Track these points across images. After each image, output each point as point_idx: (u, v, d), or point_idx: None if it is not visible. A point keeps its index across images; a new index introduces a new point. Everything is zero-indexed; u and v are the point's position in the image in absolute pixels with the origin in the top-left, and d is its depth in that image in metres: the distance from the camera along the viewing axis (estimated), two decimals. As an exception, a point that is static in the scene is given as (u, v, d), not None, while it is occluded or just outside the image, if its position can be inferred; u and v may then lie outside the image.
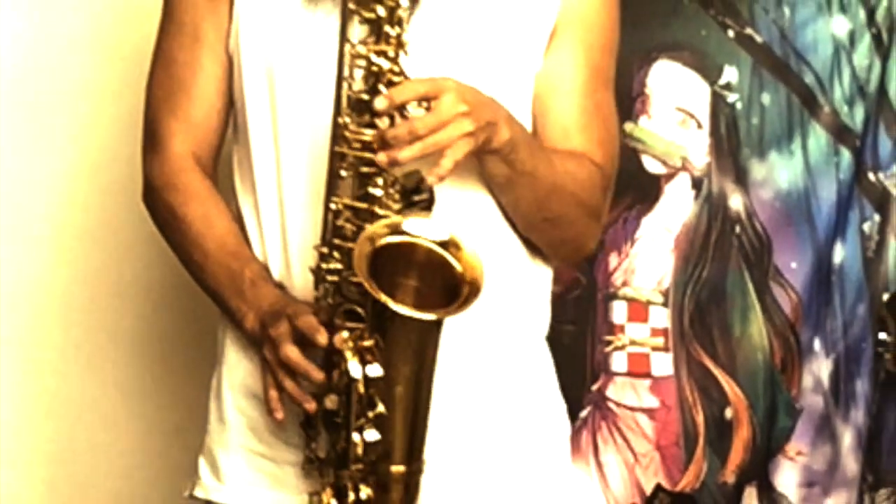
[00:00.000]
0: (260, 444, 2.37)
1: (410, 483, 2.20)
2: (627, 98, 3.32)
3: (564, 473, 2.52)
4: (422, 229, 2.16)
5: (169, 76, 2.48)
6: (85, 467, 3.38)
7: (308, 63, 2.30)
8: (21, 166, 3.34)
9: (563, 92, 2.41)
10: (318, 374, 2.18)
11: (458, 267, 2.15)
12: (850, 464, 3.44)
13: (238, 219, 2.42)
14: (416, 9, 2.26)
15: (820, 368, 3.43)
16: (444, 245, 2.16)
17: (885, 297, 3.41)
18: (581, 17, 2.41)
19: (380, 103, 2.15)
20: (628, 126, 3.34)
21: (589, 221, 2.44)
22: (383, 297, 2.09)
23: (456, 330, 2.26)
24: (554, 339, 2.88)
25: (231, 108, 2.47)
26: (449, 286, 2.15)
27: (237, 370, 2.40)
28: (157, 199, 2.47)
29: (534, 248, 2.47)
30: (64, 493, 3.38)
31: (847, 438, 3.43)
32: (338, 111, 2.21)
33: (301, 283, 2.30)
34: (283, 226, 2.36)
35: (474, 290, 2.14)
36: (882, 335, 3.39)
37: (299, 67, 2.32)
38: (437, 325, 2.17)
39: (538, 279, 2.47)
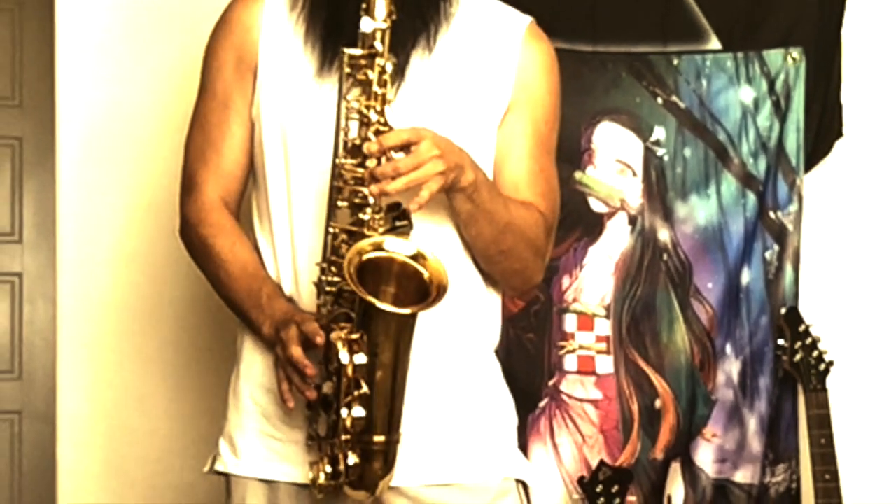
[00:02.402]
0: (270, 427, 2.46)
1: (389, 451, 2.29)
2: (577, 152, 3.55)
3: (510, 449, 2.55)
4: (397, 246, 2.26)
5: (203, 135, 2.57)
6: (134, 446, 3.55)
7: (315, 122, 2.40)
8: (88, 207, 3.57)
9: (515, 156, 2.50)
10: (311, 370, 2.27)
11: (426, 274, 2.25)
12: (755, 444, 3.63)
13: (255, 248, 2.51)
14: (401, 82, 2.39)
15: (731, 368, 3.64)
16: (414, 258, 2.27)
17: (783, 310, 3.61)
18: (530, 98, 2.52)
19: (371, 147, 2.26)
20: (577, 174, 3.56)
21: (535, 258, 2.51)
22: (368, 297, 2.20)
23: (426, 338, 2.36)
24: (518, 345, 3.11)
25: (252, 161, 2.55)
26: (420, 290, 2.26)
27: (252, 368, 2.50)
28: (191, 233, 2.55)
29: (488, 277, 2.55)
30: (117, 466, 3.56)
31: (752, 424, 3.63)
32: (336, 153, 2.31)
33: (307, 296, 2.38)
34: (293, 252, 2.45)
35: (441, 291, 2.25)
36: (780, 341, 3.59)
37: (308, 126, 2.42)
38: (412, 319, 2.26)
39: (491, 302, 2.55)
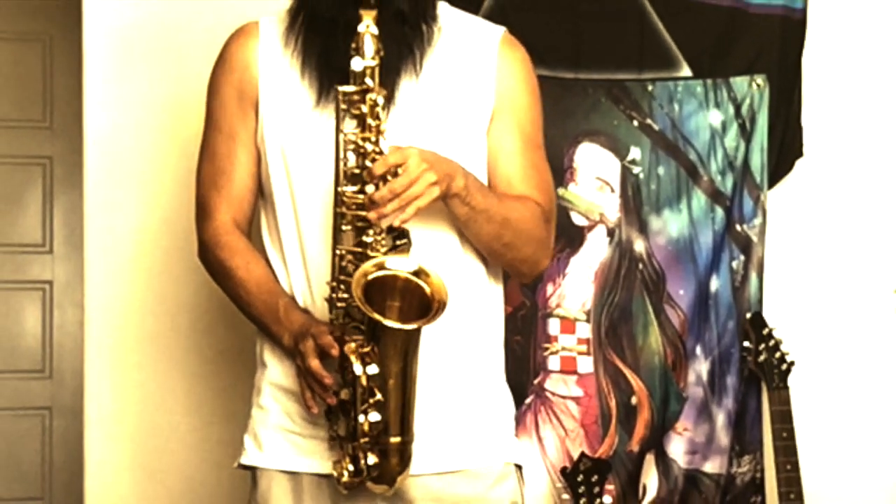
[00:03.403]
0: (291, 424, 2.50)
1: (405, 450, 2.33)
2: (560, 170, 3.54)
3: (509, 437, 2.58)
4: (399, 265, 2.30)
5: (213, 165, 2.59)
6: (160, 441, 3.56)
7: (316, 148, 2.43)
8: (113, 221, 3.57)
9: (505, 155, 2.53)
10: (329, 380, 2.31)
11: (428, 289, 2.28)
12: (723, 437, 3.67)
13: (268, 264, 2.53)
14: (391, 107, 2.41)
15: (700, 368, 3.69)
16: (416, 274, 2.29)
17: (748, 315, 3.66)
18: (511, 102, 2.54)
19: (367, 177, 2.29)
20: (560, 190, 3.56)
21: (538, 245, 2.52)
22: (376, 315, 2.23)
23: (434, 337, 2.38)
24: (506, 347, 2.99)
25: (259, 186, 2.57)
26: (423, 304, 2.28)
27: (273, 371, 2.54)
28: (209, 255, 2.59)
29: (489, 272, 2.56)
30: (140, 458, 3.56)
31: (720, 419, 3.67)
32: (337, 182, 2.33)
33: (320, 309, 2.42)
34: (305, 267, 2.49)
35: (442, 305, 2.27)
36: (746, 343, 3.64)
37: (310, 153, 2.45)
38: (417, 332, 2.29)
39: (493, 296, 2.58)
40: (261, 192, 2.58)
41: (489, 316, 2.58)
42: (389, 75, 2.39)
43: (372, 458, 2.31)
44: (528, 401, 3.58)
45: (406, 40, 2.46)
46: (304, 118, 2.47)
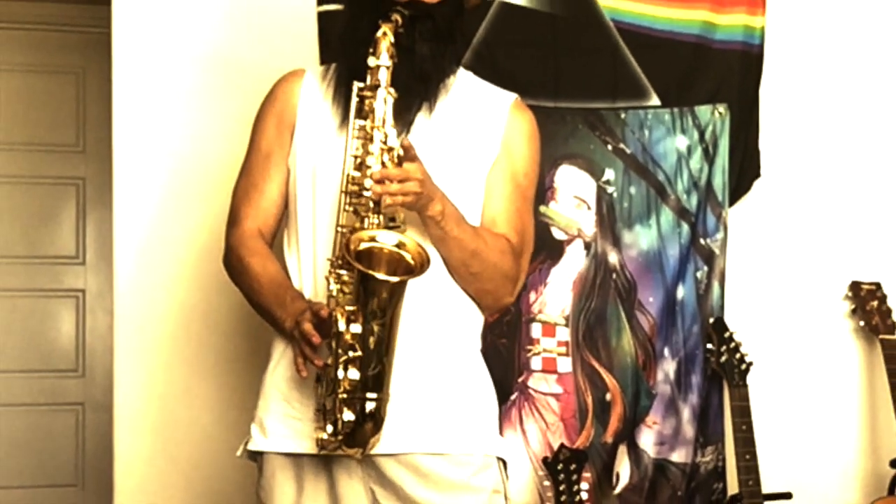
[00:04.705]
0: (291, 409, 2.55)
1: (379, 409, 2.34)
2: (542, 190, 3.55)
3: (491, 432, 2.60)
4: (385, 238, 2.36)
5: (248, 180, 2.67)
6: (181, 431, 3.61)
7: (338, 165, 2.46)
8: (140, 235, 3.58)
9: (495, 198, 2.59)
10: (317, 339, 2.34)
11: (409, 258, 2.35)
12: (688, 430, 3.70)
13: (284, 268, 2.59)
14: (406, 135, 2.46)
15: (668, 367, 3.71)
16: (398, 246, 2.36)
17: (711, 320, 3.69)
18: (511, 155, 2.61)
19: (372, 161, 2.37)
20: (542, 208, 3.59)
21: (504, 281, 2.56)
22: (364, 269, 2.29)
23: (421, 332, 2.46)
24: (493, 348, 3.11)
25: (285, 204, 2.63)
26: (406, 271, 2.35)
27: (278, 364, 2.59)
28: (231, 256, 2.65)
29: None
30: (167, 449, 3.60)
31: (686, 413, 3.70)
32: (345, 167, 2.41)
33: (323, 292, 2.43)
34: (314, 262, 2.54)
35: (424, 264, 2.33)
36: (709, 345, 3.66)
37: (332, 169, 2.49)
38: (399, 296, 2.33)
39: (472, 306, 2.60)
40: (286, 209, 2.64)
41: (471, 317, 2.61)
42: (406, 110, 2.47)
43: (348, 415, 2.32)
44: (512, 397, 3.58)
45: (423, 80, 2.52)
46: (329, 138, 2.54)
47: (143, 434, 3.60)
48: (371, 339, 2.32)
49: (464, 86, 2.63)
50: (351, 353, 2.31)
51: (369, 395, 2.32)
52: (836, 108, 3.97)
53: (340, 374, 2.31)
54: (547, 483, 3.54)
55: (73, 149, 5.66)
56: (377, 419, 2.35)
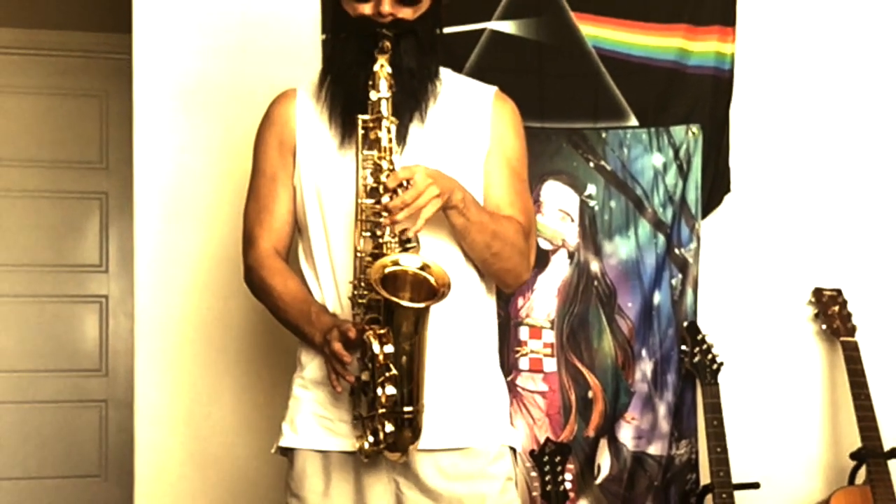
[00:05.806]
0: (322, 410, 2.58)
1: (415, 420, 2.37)
2: None
3: (505, 423, 2.65)
4: (408, 262, 2.37)
5: (257, 203, 2.68)
6: (207, 430, 3.63)
7: (342, 182, 2.51)
8: (159, 245, 3.61)
9: (496, 185, 2.62)
10: (348, 358, 2.38)
11: (433, 280, 2.34)
12: (664, 425, 3.74)
13: (303, 282, 2.61)
14: (403, 147, 2.50)
15: (646, 367, 3.74)
16: (422, 269, 2.36)
17: (685, 324, 3.73)
18: (502, 143, 2.64)
19: (382, 190, 2.36)
20: None
21: (521, 258, 2.59)
22: (391, 297, 2.30)
23: (441, 339, 2.46)
24: None
25: (296, 219, 2.65)
26: (430, 293, 2.35)
27: (307, 368, 2.62)
28: (253, 276, 2.66)
29: (486, 286, 2.62)
30: (185, 442, 3.61)
31: (662, 410, 3.74)
32: (357, 196, 2.43)
33: (348, 313, 2.49)
34: (335, 282, 2.56)
35: (446, 288, 2.32)
36: (683, 347, 3.71)
37: (337, 186, 2.53)
38: (425, 315, 2.34)
39: (489, 305, 2.66)
40: (297, 225, 2.66)
41: (486, 321, 2.65)
42: (400, 121, 2.47)
43: (389, 427, 2.35)
44: (502, 395, 3.64)
45: (414, 93, 2.52)
46: (331, 159, 2.56)
47: (162, 429, 3.63)
48: (403, 358, 2.34)
49: (448, 87, 2.64)
50: (387, 374, 2.33)
51: (406, 408, 2.36)
52: (801, 129, 4.00)
53: (379, 391, 2.34)
54: (534, 474, 3.57)
55: (96, 166, 5.78)
56: (415, 428, 2.39)
